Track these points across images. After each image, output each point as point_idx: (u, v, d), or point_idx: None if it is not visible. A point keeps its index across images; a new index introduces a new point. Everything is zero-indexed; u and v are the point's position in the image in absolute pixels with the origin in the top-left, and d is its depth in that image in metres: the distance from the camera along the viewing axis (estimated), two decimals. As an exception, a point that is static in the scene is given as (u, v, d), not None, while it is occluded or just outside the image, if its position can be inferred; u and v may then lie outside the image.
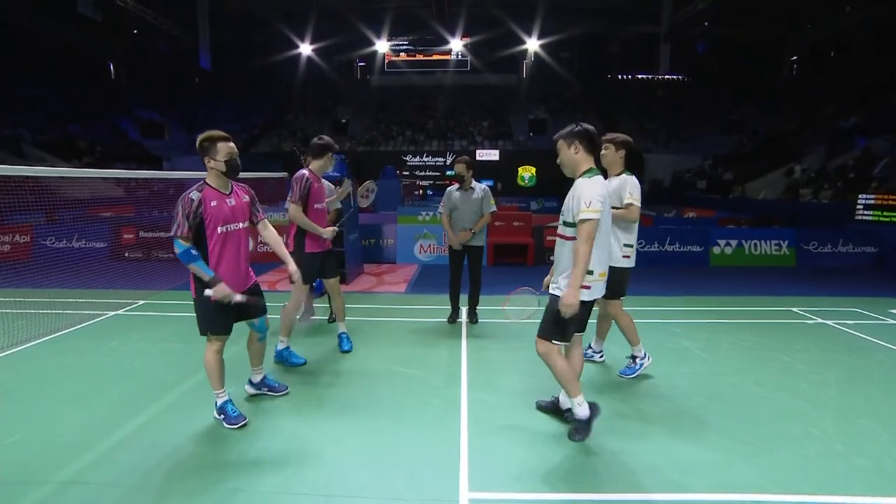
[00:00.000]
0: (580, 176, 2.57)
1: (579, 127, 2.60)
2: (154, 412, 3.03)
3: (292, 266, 3.01)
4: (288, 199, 3.65)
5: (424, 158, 26.08)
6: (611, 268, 3.26)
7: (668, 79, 29.22)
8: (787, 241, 8.40)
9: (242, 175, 3.46)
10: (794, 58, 28.30)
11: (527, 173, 25.03)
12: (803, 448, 2.64)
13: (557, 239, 2.69)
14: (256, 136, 27.28)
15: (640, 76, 29.72)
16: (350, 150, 26.78)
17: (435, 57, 30.19)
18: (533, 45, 28.57)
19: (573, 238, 2.54)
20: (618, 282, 3.31)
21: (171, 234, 2.51)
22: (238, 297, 2.67)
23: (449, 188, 4.74)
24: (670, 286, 6.61)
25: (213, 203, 2.62)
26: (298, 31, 28.08)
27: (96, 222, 9.14)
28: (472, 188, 4.63)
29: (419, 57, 30.29)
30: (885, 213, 9.80)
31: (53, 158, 19.51)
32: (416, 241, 8.36)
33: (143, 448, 2.60)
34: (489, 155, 25.08)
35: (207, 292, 2.59)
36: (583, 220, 2.44)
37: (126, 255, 8.43)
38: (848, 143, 18.70)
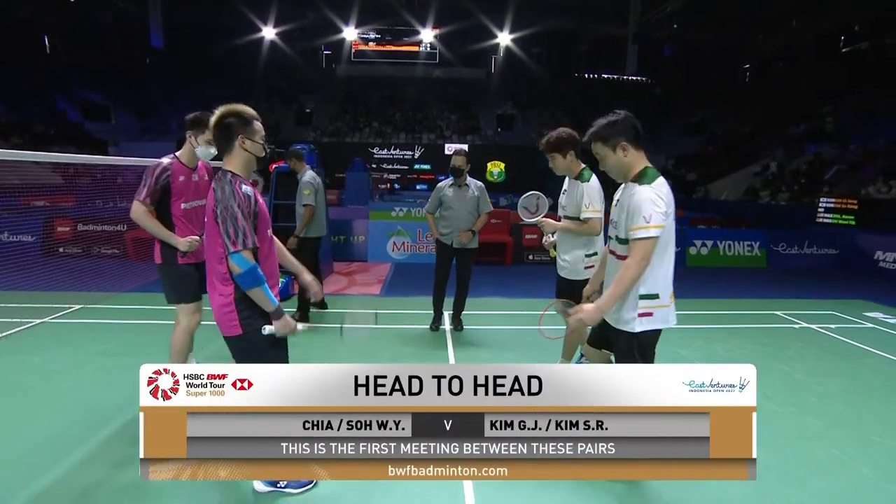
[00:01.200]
0: (637, 180, 2.05)
1: (618, 119, 2.06)
2: (85, 452, 2.45)
3: (307, 277, 2.24)
4: (136, 195, 2.73)
5: (392, 151, 25.41)
6: (574, 281, 3.00)
7: (632, 79, 29.81)
8: (758, 243, 8.52)
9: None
10: (747, 66, 29.55)
11: (496, 169, 24.85)
12: (833, 475, 2.44)
13: (610, 258, 2.21)
14: (214, 122, 25.72)
15: (605, 76, 30.16)
16: (315, 141, 25.73)
17: (404, 48, 29.45)
18: (504, 38, 28.39)
19: (622, 257, 2.08)
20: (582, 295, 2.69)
21: (232, 248, 1.79)
22: (301, 327, 2.00)
23: (440, 184, 4.30)
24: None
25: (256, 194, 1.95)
26: (261, 13, 26.63)
27: (25, 213, 8.11)
28: (467, 185, 4.21)
29: (388, 47, 29.47)
30: (843, 216, 10.18)
31: (-24, 140, 17.56)
32: (389, 238, 7.90)
33: None
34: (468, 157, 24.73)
35: (268, 329, 1.90)
36: (639, 239, 1.96)
37: (61, 250, 7.51)
38: (799, 148, 19.62)
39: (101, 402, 2.95)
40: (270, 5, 26.14)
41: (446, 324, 4.57)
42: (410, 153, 25.27)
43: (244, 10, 25.97)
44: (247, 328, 1.87)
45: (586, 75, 30.46)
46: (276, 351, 1.94)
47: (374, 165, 24.26)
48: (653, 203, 1.98)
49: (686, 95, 28.21)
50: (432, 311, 4.46)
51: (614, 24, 27.85)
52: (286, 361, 2.01)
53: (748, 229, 9.20)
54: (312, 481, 2.21)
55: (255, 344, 1.88)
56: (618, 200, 2.19)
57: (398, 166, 25.05)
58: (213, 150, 2.69)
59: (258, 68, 28.08)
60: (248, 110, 1.95)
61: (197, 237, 2.74)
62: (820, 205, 10.95)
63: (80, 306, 4.89)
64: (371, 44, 29.39)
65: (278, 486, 2.16)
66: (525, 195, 3.37)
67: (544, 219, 3.19)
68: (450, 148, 24.27)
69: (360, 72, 29.41)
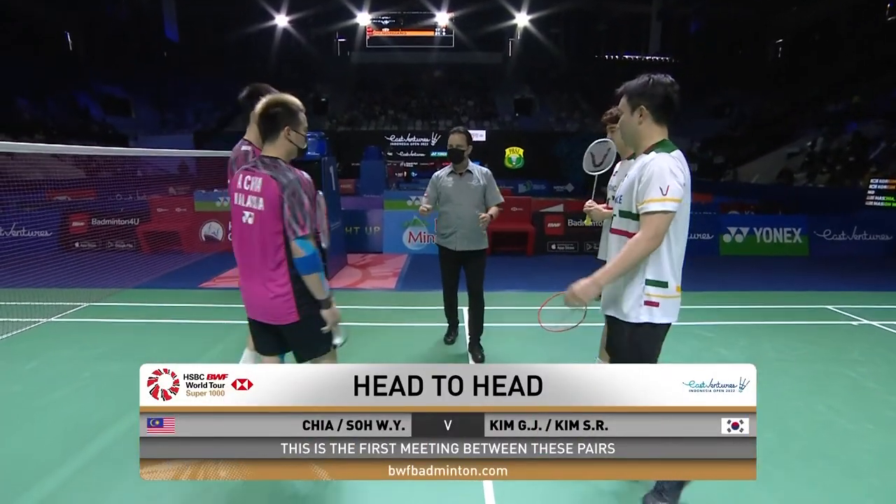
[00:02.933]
0: (651, 150, 1.81)
1: (650, 81, 1.82)
2: (69, 472, 2.24)
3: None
4: None
5: (408, 139, 25.07)
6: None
7: (654, 59, 28.62)
8: (799, 229, 7.93)
9: (214, 154, 2.68)
10: (780, 41, 28.03)
11: (514, 155, 24.29)
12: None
13: (612, 236, 1.95)
14: (231, 114, 25.74)
15: (626, 56, 29.03)
16: (330, 130, 25.53)
17: (419, 33, 28.83)
18: (522, 20, 27.49)
19: (629, 234, 1.82)
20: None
21: (301, 232, 1.86)
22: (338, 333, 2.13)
23: (437, 173, 3.49)
24: (683, 279, 5.99)
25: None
26: (274, 2, 26.33)
27: (43, 208, 8.08)
28: (469, 171, 3.38)
29: (402, 32, 28.89)
30: (897, 199, 9.46)
31: None
32: (404, 229, 7.59)
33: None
34: (476, 136, 24.25)
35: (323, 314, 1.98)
36: (653, 213, 1.70)
37: (77, 245, 7.45)
38: (838, 127, 18.52)
39: (91, 414, 2.73)
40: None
41: (466, 336, 4.22)
42: (427, 140, 24.86)
43: (257, -2, 25.69)
44: (304, 314, 1.94)
45: (606, 56, 29.39)
46: (327, 337, 2.03)
47: (390, 153, 23.99)
48: (671, 174, 1.72)
49: (712, 74, 26.96)
50: (446, 323, 3.86)
51: (635, 2, 26.68)
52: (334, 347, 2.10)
53: (788, 215, 8.58)
54: None
55: (310, 329, 1.97)
56: (615, 173, 2.01)
57: (414, 154, 24.73)
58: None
59: (272, 57, 27.89)
60: (295, 101, 1.98)
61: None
62: (870, 187, 10.18)
63: (86, 304, 4.74)
64: (385, 30, 28.85)
65: None
66: (596, 142, 2.83)
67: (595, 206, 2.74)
68: (467, 135, 23.72)
69: (374, 59, 28.97)
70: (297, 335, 1.99)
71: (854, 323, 4.44)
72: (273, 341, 2.05)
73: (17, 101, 21.58)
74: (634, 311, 1.83)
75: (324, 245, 2.29)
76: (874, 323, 4.43)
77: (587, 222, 2.87)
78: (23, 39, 23.77)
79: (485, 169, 3.48)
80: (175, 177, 16.25)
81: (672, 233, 1.79)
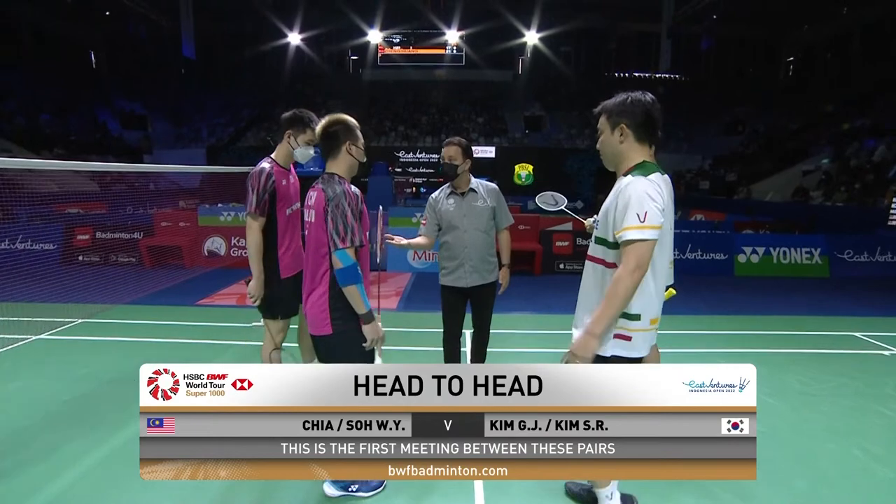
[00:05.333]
0: (629, 172, 1.69)
1: (629, 99, 1.70)
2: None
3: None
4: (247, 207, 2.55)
5: (418, 155, 25.24)
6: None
7: (664, 77, 28.58)
8: (818, 249, 7.63)
9: (227, 170, 2.72)
10: (791, 58, 27.94)
11: (524, 171, 23.77)
12: None
13: (587, 263, 1.83)
14: (243, 129, 26.13)
15: (636, 74, 29.06)
16: (340, 146, 25.66)
17: (430, 51, 29.18)
18: (532, 38, 27.70)
19: (611, 265, 1.68)
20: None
21: (340, 244, 1.89)
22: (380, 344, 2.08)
23: (434, 194, 3.00)
24: (697, 302, 5.75)
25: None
26: (287, 20, 26.94)
27: (48, 221, 8.09)
28: (472, 190, 2.88)
29: (413, 50, 29.28)
30: (921, 219, 9.08)
31: (20, 149, 18.22)
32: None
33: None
34: (485, 152, 24.28)
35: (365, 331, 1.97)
36: (631, 241, 1.57)
37: (80, 258, 7.41)
38: (855, 144, 18.19)
39: (61, 445, 2.56)
40: (296, 12, 26.38)
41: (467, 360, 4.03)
42: (437, 156, 24.97)
43: (271, 17, 26.30)
44: (336, 329, 1.95)
45: (616, 74, 29.44)
46: (363, 356, 1.97)
47: (399, 169, 24.11)
48: (648, 197, 1.60)
49: (724, 92, 26.78)
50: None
51: (645, 21, 26.78)
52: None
53: (806, 234, 8.28)
54: (383, 483, 2.22)
55: (342, 346, 1.96)
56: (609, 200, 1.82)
57: (424, 170, 24.85)
58: (313, 152, 2.66)
59: (285, 74, 28.42)
60: (352, 120, 2.07)
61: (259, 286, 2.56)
62: (893, 205, 9.83)
63: (81, 321, 4.63)
64: (397, 48, 29.26)
65: (350, 489, 2.17)
66: (539, 195, 3.01)
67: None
68: (477, 151, 23.69)
69: (385, 76, 29.33)
70: (329, 349, 1.99)
71: (885, 353, 4.15)
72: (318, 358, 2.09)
73: (40, 117, 22.18)
74: (604, 344, 1.68)
75: (377, 260, 2.33)
76: (906, 353, 4.13)
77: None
78: (48, 57, 24.56)
79: (491, 185, 2.99)
80: (191, 190, 16.31)
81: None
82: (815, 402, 3.18)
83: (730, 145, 24.44)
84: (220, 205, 8.89)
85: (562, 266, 7.48)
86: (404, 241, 2.77)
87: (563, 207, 2.93)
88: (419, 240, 2.92)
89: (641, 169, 1.68)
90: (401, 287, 6.36)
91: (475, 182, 2.94)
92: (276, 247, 2.58)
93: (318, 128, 2.06)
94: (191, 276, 6.68)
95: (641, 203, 1.58)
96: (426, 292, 6.11)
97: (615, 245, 1.66)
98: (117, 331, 4.37)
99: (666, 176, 1.74)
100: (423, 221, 2.98)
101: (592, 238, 1.83)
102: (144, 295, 5.59)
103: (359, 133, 2.09)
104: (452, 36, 28.25)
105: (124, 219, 8.77)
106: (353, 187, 2.00)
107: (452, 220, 2.84)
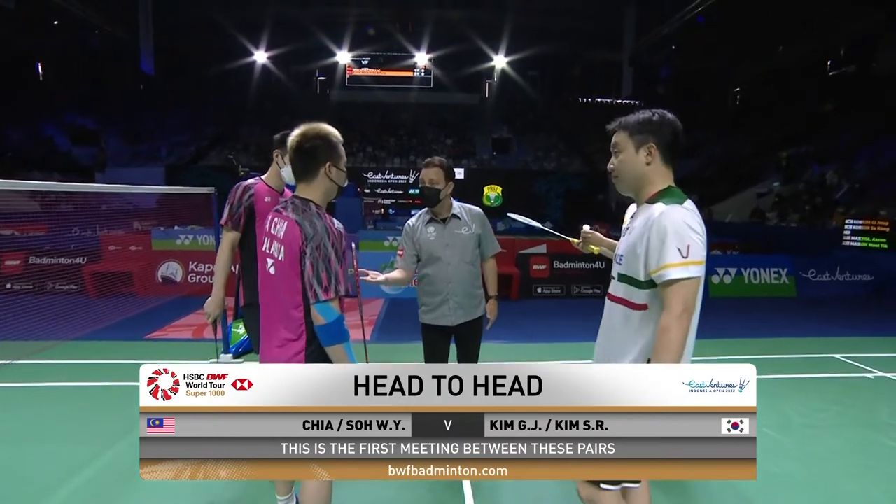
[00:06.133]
0: (655, 199, 1.48)
1: (655, 116, 1.54)
2: None
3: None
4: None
5: (386, 176, 25.08)
6: None
7: (626, 103, 29.83)
8: (785, 269, 7.82)
9: (169, 190, 2.34)
10: (737, 88, 29.93)
11: (493, 193, 24.40)
12: None
13: (610, 305, 1.58)
14: (206, 147, 25.22)
15: (598, 99, 30.20)
16: (307, 166, 25.21)
17: (398, 73, 29.38)
18: (500, 61, 28.38)
19: (639, 307, 1.45)
20: None
21: (323, 296, 1.54)
22: None
23: (410, 221, 2.69)
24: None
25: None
26: (254, 38, 26.53)
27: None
28: (455, 216, 2.59)
29: (382, 72, 29.39)
30: (874, 239, 9.54)
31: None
32: (382, 271, 7.09)
33: None
34: (455, 174, 24.32)
35: None
36: (674, 281, 1.35)
37: (9, 286, 6.65)
38: (801, 169, 19.35)
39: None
40: (262, 30, 26.03)
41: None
42: (405, 178, 24.86)
43: (237, 34, 25.81)
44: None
45: (580, 99, 30.49)
46: None
47: (367, 190, 23.80)
48: (689, 229, 1.38)
49: (681, 117, 28.11)
50: None
51: (607, 50, 27.99)
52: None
53: (774, 255, 8.50)
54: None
55: None
56: (633, 216, 1.63)
57: (392, 191, 24.66)
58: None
59: (251, 93, 27.83)
60: (335, 133, 1.74)
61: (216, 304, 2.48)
62: (846, 227, 10.33)
63: (7, 361, 4.03)
64: (365, 69, 29.30)
65: None
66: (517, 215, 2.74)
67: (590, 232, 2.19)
68: (445, 172, 23.76)
69: (354, 97, 29.23)
70: None
71: (869, 376, 4.13)
72: None
73: (-26, 130, 20.66)
74: None
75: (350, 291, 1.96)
76: (889, 375, 4.13)
77: (596, 250, 2.19)
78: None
79: (476, 209, 2.67)
80: (147, 211, 15.29)
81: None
82: (819, 437, 3.05)
83: (690, 168, 25.55)
84: (176, 227, 8.31)
85: (539, 290, 7.31)
86: (381, 277, 2.48)
87: (545, 227, 2.77)
88: (395, 274, 2.60)
89: (671, 196, 1.47)
90: (373, 315, 5.99)
91: (457, 206, 2.63)
92: (250, 269, 2.35)
93: (292, 140, 1.68)
94: (143, 308, 6.09)
95: (682, 235, 1.36)
96: (402, 322, 5.77)
97: (646, 284, 1.44)
98: (52, 373, 3.82)
99: (690, 203, 1.53)
100: (400, 252, 2.64)
101: (614, 274, 1.60)
102: (89, 331, 4.99)
103: (342, 151, 1.73)
104: (421, 58, 28.57)
105: (71, 242, 8.02)
106: (335, 222, 1.65)
107: (433, 251, 2.54)
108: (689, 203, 1.46)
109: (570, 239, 2.27)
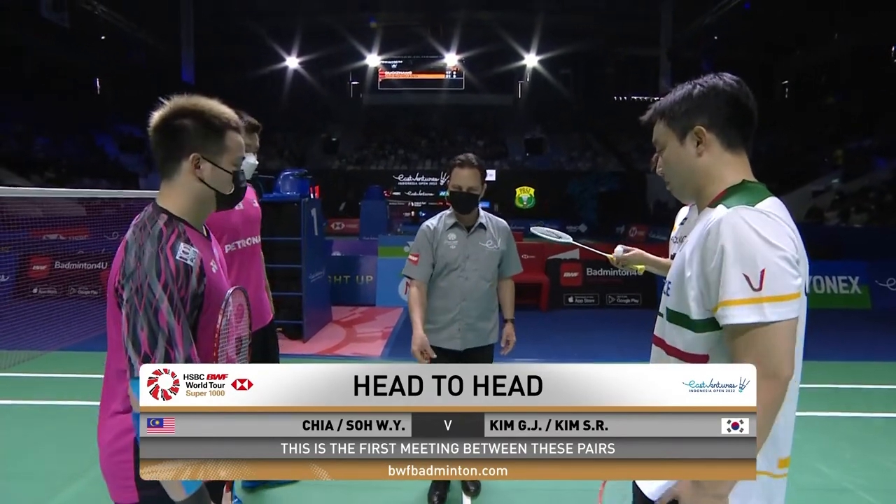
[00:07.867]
0: (720, 200, 1.00)
1: (697, 89, 1.05)
2: None
3: None
4: None
5: (417, 178, 25.02)
6: None
7: (663, 100, 28.60)
8: (857, 278, 6.88)
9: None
10: (785, 81, 28.16)
11: (525, 194, 23.79)
12: None
13: (654, 348, 1.13)
14: (241, 153, 25.96)
15: (634, 97, 29.06)
16: (339, 169, 25.52)
17: (429, 76, 29.25)
18: (532, 60, 27.73)
19: (698, 358, 0.98)
20: None
21: (138, 370, 1.05)
22: None
23: (429, 223, 2.31)
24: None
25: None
26: (286, 45, 27.10)
27: (7, 250, 7.41)
28: (482, 227, 2.26)
29: (413, 75, 29.34)
30: (961, 244, 8.37)
31: (9, 174, 17.86)
32: (401, 279, 6.73)
33: None
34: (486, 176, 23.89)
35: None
36: (745, 328, 0.89)
37: (35, 291, 6.70)
38: (865, 164, 17.82)
39: None
40: (295, 37, 26.52)
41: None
42: (436, 180, 24.69)
43: (270, 41, 26.42)
44: (145, 493, 1.11)
45: (615, 97, 29.43)
46: None
47: (397, 193, 23.78)
48: (763, 242, 0.88)
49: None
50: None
51: (643, 44, 26.85)
52: None
53: (843, 261, 7.53)
54: None
55: None
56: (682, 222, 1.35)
57: (423, 193, 24.56)
58: (254, 161, 2.23)
59: (284, 98, 28.46)
60: (219, 110, 1.15)
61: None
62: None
63: (8, 374, 3.87)
64: (396, 72, 29.33)
65: None
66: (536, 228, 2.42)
67: (630, 252, 1.83)
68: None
69: (385, 100, 29.38)
70: None
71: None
72: None
73: (36, 140, 22.07)
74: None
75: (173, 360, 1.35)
76: None
77: (640, 269, 1.84)
78: (51, 82, 24.69)
79: (502, 223, 2.33)
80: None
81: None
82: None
83: (734, 166, 24.13)
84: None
85: (571, 300, 6.73)
86: (424, 339, 2.12)
87: (577, 242, 2.27)
88: (419, 312, 2.18)
89: (743, 193, 0.97)
90: (389, 326, 5.60)
91: (484, 216, 2.28)
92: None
93: (155, 116, 1.16)
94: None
95: (751, 255, 0.87)
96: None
97: (700, 325, 0.95)
98: (29, 389, 3.62)
99: (774, 200, 1.00)
100: (414, 257, 2.23)
101: (662, 310, 1.09)
102: (83, 339, 4.82)
103: (229, 140, 1.15)
104: (452, 60, 28.30)
105: (101, 246, 8.08)
106: (181, 248, 1.06)
107: (452, 261, 2.19)
108: (768, 203, 0.95)
109: (609, 256, 1.84)
